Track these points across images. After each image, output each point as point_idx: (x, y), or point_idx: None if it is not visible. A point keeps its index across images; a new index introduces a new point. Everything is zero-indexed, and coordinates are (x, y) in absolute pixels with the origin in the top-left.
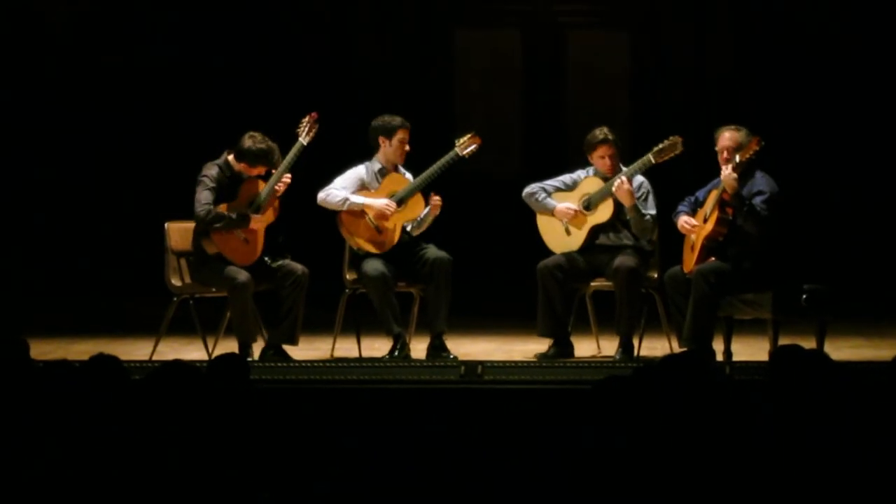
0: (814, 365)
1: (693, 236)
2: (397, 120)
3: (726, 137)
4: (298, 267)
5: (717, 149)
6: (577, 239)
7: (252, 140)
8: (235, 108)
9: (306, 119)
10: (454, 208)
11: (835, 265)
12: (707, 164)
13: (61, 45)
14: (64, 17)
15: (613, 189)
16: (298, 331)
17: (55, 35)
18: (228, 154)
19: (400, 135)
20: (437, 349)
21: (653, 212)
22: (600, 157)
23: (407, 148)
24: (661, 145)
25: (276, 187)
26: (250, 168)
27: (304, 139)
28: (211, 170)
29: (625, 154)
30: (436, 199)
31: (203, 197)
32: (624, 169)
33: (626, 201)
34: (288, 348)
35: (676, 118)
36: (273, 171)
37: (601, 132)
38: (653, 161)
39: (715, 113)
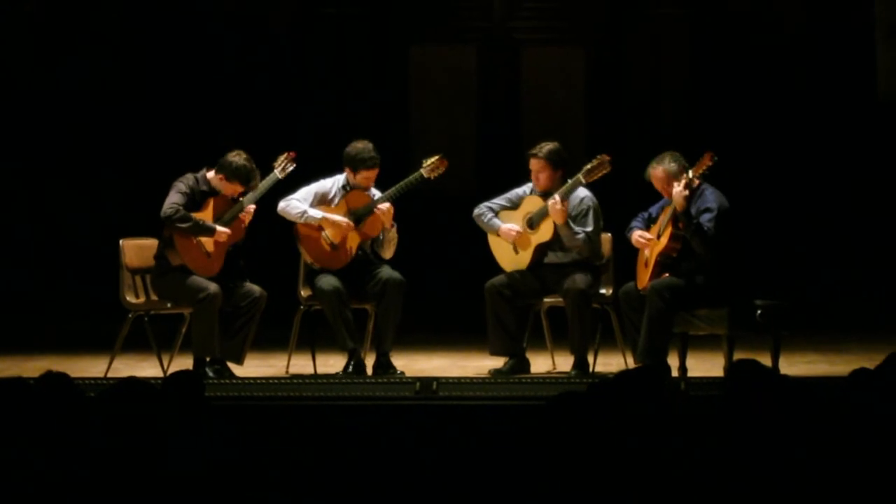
0: (769, 380)
1: (647, 251)
2: (368, 160)
3: (657, 176)
4: (256, 289)
5: (656, 187)
6: (524, 258)
7: (238, 157)
8: (189, 128)
9: (284, 156)
10: (407, 224)
11: (789, 281)
12: None
13: (18, 62)
14: (17, 35)
15: (549, 207)
16: (246, 351)
17: (9, 52)
18: (208, 170)
19: (364, 173)
20: (383, 366)
21: (588, 229)
22: (531, 171)
23: (369, 183)
24: (589, 165)
25: (242, 215)
26: (227, 183)
27: (279, 173)
28: (187, 179)
29: (575, 171)
30: (382, 207)
31: (173, 198)
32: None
33: (557, 220)
34: (233, 366)
35: (632, 134)
36: (243, 195)
37: (536, 146)
38: (583, 181)
39: (671, 128)
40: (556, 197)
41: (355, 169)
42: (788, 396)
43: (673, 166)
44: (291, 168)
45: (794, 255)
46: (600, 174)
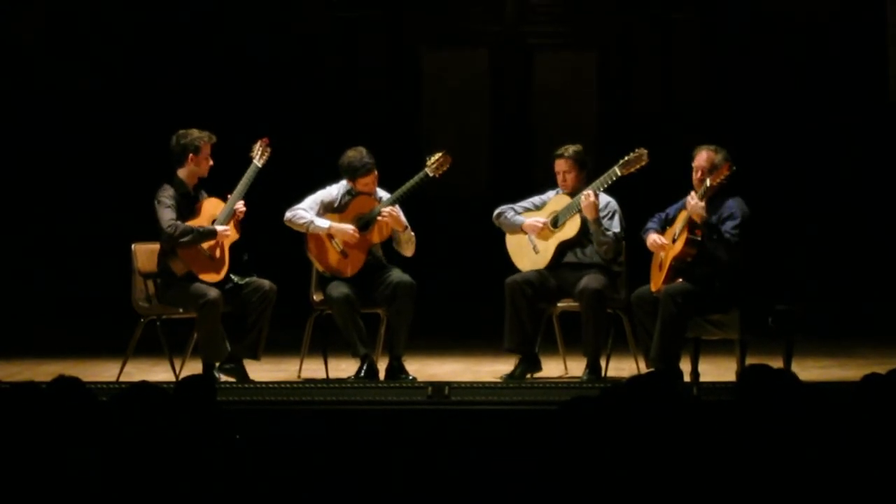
0: (782, 384)
1: (662, 254)
2: (361, 168)
3: (703, 157)
4: (266, 283)
5: (693, 165)
6: (544, 256)
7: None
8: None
9: (258, 143)
10: (420, 227)
11: (801, 284)
12: (676, 182)
13: (26, 68)
14: (27, 41)
15: (581, 202)
16: (261, 347)
17: (21, 57)
18: (179, 171)
19: (362, 181)
20: (395, 370)
21: (616, 230)
22: (556, 173)
23: (371, 188)
24: (626, 157)
25: (236, 214)
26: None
27: (258, 162)
28: (166, 190)
29: (592, 174)
30: (384, 212)
31: (166, 215)
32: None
33: (589, 214)
34: (251, 367)
35: (644, 138)
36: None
37: (561, 148)
38: (619, 173)
39: (682, 133)
40: (589, 191)
41: (352, 178)
42: (801, 401)
43: (714, 158)
44: (268, 154)
45: (806, 259)
46: (637, 167)
